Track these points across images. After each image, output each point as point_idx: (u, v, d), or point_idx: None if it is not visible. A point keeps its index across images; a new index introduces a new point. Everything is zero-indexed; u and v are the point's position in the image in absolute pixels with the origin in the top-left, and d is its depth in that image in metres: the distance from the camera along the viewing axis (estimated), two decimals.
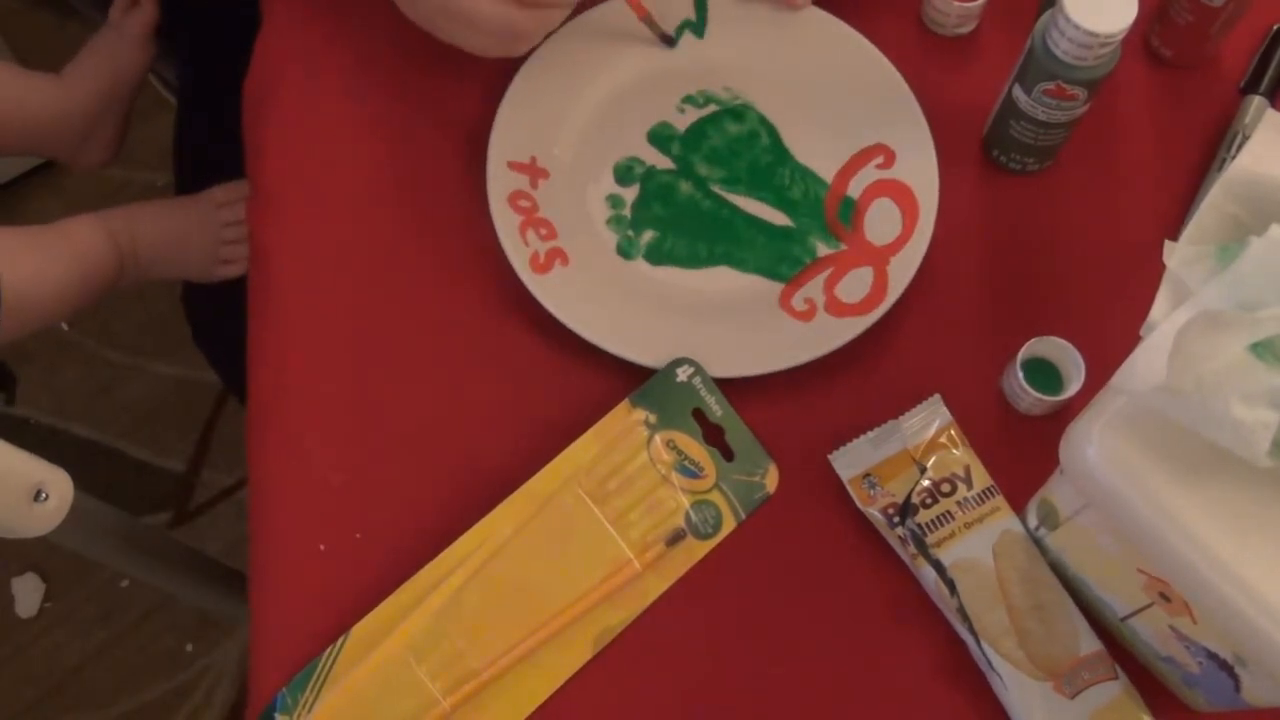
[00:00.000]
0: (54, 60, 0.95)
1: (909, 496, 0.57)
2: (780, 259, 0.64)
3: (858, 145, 0.66)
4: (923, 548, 0.56)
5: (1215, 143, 0.67)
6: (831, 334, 0.61)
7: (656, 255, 0.65)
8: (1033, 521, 0.56)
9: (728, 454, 0.59)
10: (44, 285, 0.80)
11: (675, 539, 0.58)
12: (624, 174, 0.66)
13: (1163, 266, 0.47)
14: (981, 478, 0.58)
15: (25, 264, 0.78)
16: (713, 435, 0.60)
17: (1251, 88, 0.68)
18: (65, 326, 1.39)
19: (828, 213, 0.65)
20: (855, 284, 0.62)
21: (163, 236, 0.89)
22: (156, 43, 0.96)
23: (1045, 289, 0.64)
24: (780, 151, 0.67)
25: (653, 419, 0.59)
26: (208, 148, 0.96)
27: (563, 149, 0.66)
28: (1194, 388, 0.43)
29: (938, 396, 0.60)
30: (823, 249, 0.64)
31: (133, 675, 1.25)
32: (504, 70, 0.67)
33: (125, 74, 0.95)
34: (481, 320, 0.63)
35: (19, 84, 0.91)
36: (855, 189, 0.65)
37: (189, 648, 1.26)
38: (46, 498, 0.63)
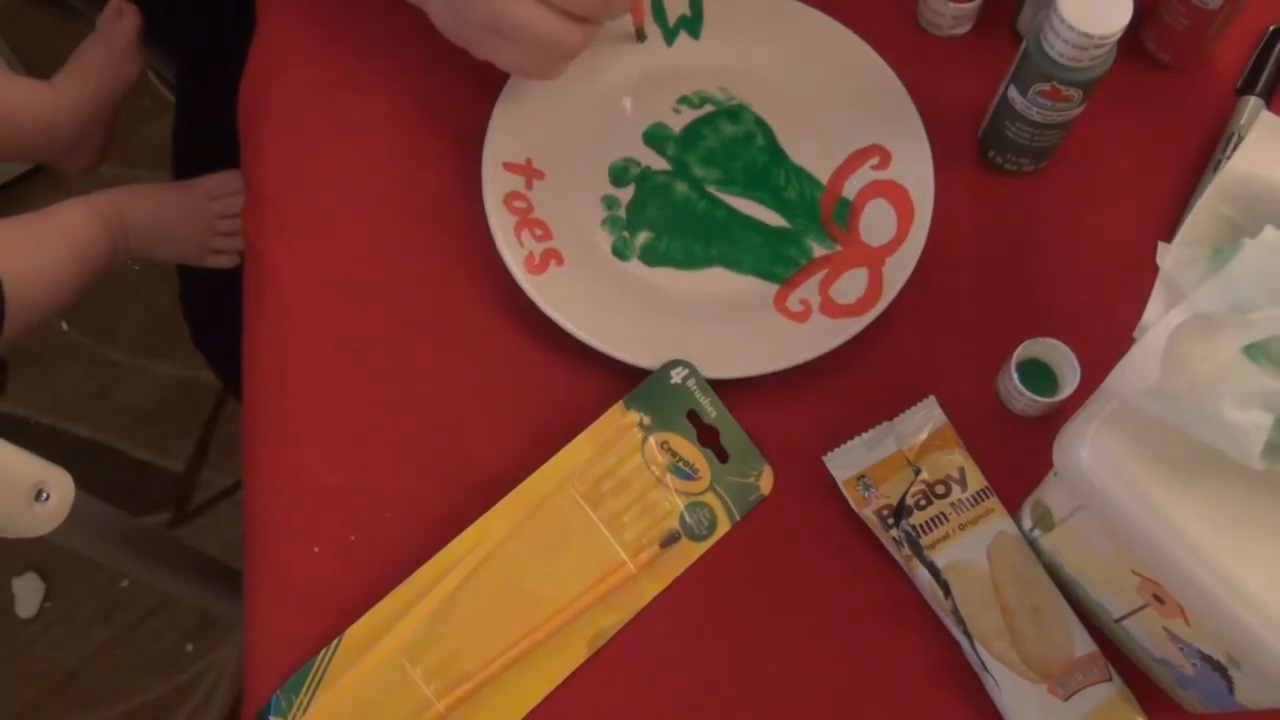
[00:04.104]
0: (54, 60, 0.95)
1: (903, 498, 0.57)
2: (775, 260, 0.64)
3: (853, 146, 0.66)
4: (917, 549, 0.56)
5: (1211, 144, 0.67)
6: (826, 335, 0.61)
7: (652, 256, 0.65)
8: (1027, 523, 0.56)
9: (722, 455, 0.59)
10: (44, 279, 0.80)
11: (670, 541, 0.58)
12: (619, 175, 0.66)
13: (1157, 268, 0.47)
14: (976, 479, 0.57)
15: (24, 260, 0.78)
16: (707, 437, 0.60)
17: (1248, 89, 0.68)
18: (65, 326, 1.39)
19: (823, 213, 0.65)
20: (850, 285, 0.62)
21: (152, 221, 0.89)
22: (145, 49, 0.96)
23: (1040, 290, 0.64)
24: (776, 152, 0.67)
25: (647, 421, 0.59)
26: (206, 147, 0.97)
27: (558, 150, 0.66)
28: (1187, 390, 0.43)
29: (932, 398, 0.60)
30: (818, 250, 0.64)
31: (133, 675, 1.25)
32: (500, 71, 0.66)
33: (116, 83, 0.95)
34: (476, 321, 0.63)
35: (11, 91, 0.91)
36: (850, 190, 0.65)
37: (189, 648, 1.26)
38: (47, 498, 0.63)
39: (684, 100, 0.68)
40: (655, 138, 0.67)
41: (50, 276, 0.81)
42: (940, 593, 0.55)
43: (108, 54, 0.94)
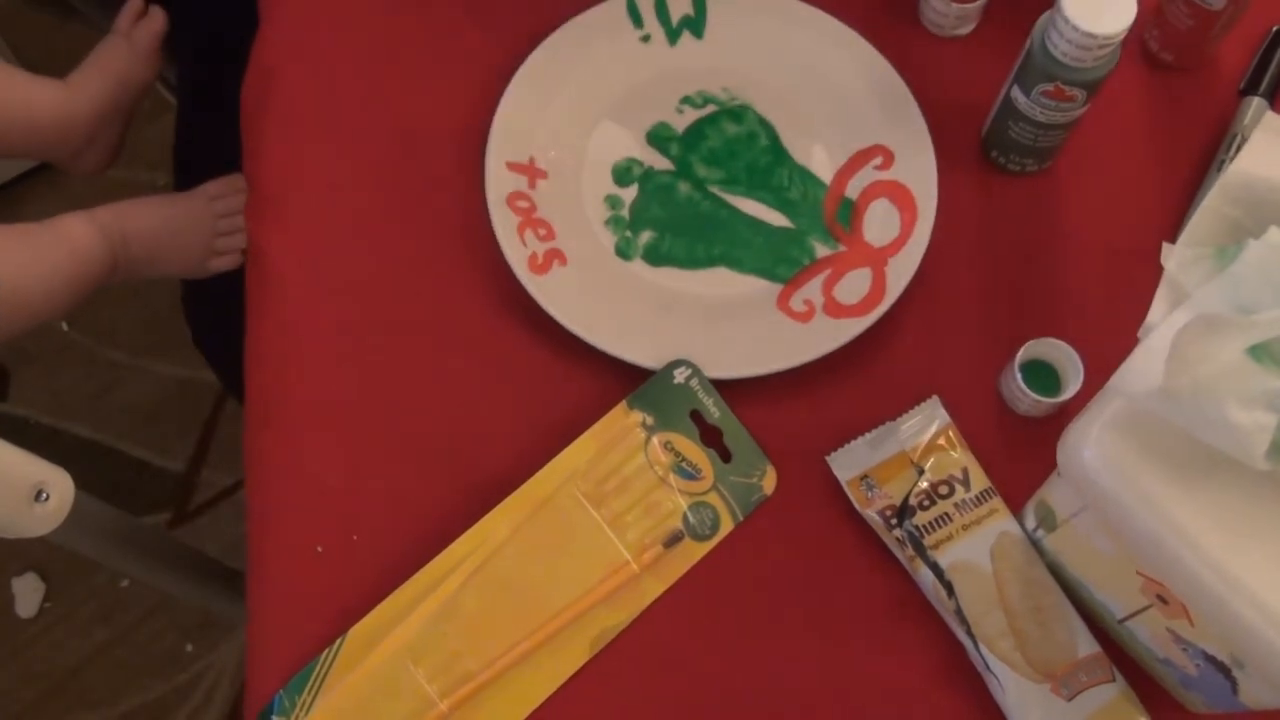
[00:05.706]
0: (55, 60, 0.95)
1: (907, 498, 0.57)
2: (779, 260, 0.64)
3: (856, 146, 0.66)
4: (920, 550, 0.56)
5: (1214, 144, 0.67)
6: (829, 335, 0.61)
7: (655, 256, 0.64)
8: (1030, 523, 0.56)
9: (725, 455, 0.59)
10: (38, 287, 0.80)
11: (673, 540, 0.58)
12: (622, 175, 0.66)
13: (1161, 268, 0.47)
14: (979, 479, 0.57)
15: (20, 265, 0.78)
16: (710, 437, 0.60)
17: (1251, 89, 0.68)
18: (65, 326, 1.39)
19: (826, 214, 0.65)
20: (853, 285, 0.62)
21: (154, 232, 0.89)
22: (163, 52, 0.96)
23: (1044, 290, 0.64)
24: (779, 152, 0.67)
25: (650, 420, 0.59)
26: (208, 148, 0.96)
27: (561, 150, 0.66)
28: (1191, 390, 0.43)
29: (936, 398, 0.60)
30: (821, 250, 0.64)
31: (133, 675, 1.25)
32: (503, 71, 0.67)
33: (132, 85, 0.95)
34: (479, 321, 0.63)
35: (25, 88, 0.90)
36: (854, 190, 0.65)
37: (189, 648, 1.26)
38: (47, 498, 0.63)
39: (687, 100, 0.68)
40: (658, 138, 0.67)
41: (46, 284, 0.81)
42: (944, 593, 0.55)
43: (130, 55, 0.93)
